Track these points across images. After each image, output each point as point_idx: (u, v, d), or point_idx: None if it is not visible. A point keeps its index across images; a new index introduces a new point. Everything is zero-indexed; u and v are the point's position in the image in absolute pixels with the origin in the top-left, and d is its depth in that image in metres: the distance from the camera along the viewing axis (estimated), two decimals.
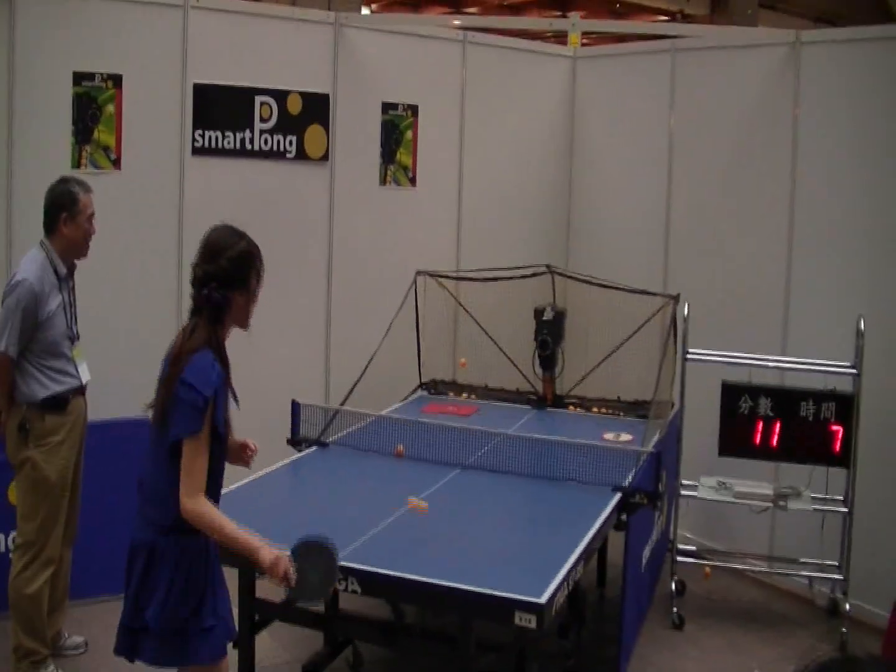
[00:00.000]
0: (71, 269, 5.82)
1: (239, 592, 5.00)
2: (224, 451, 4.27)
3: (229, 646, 4.74)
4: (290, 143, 7.87)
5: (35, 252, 5.69)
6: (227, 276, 4.14)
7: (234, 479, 5.40)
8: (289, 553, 4.02)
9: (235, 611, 4.42)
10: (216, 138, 7.53)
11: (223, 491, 4.46)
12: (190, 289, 4.22)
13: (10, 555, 5.98)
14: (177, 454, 4.04)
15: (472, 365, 8.09)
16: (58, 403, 5.71)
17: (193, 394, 4.00)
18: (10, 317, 5.51)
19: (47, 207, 5.73)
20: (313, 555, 4.08)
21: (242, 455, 4.53)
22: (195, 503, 3.99)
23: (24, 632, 5.73)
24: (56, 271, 5.68)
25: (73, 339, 5.83)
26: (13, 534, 6.06)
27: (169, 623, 4.09)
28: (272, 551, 3.99)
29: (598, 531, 5.32)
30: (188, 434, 4.00)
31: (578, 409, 7.68)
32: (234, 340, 4.33)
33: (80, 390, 5.89)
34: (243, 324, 4.30)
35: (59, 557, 5.87)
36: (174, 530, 4.10)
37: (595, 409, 7.63)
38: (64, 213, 5.67)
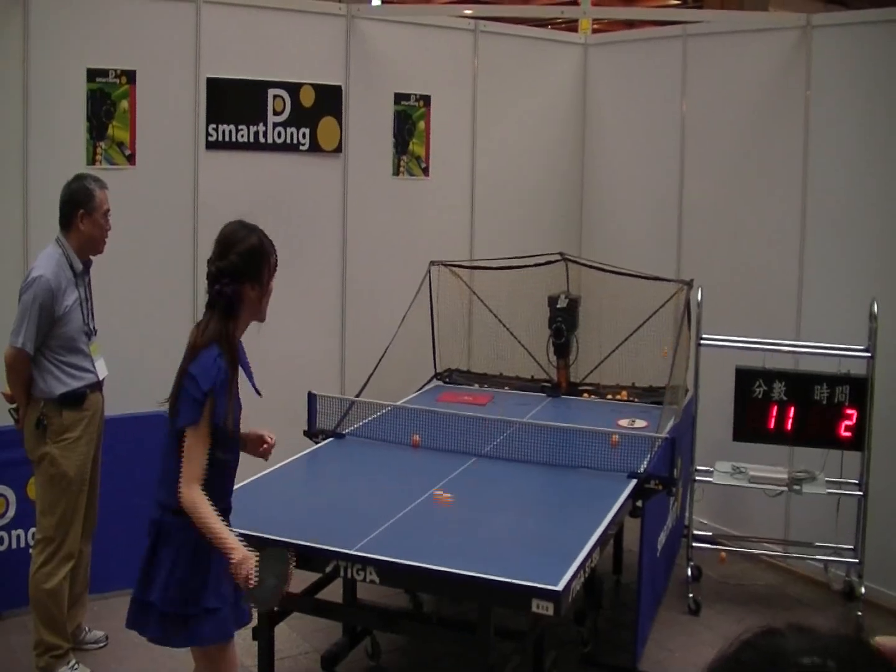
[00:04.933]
0: (87, 265, 5.85)
1: None
2: (233, 444, 4.37)
3: (248, 636, 4.80)
4: (304, 135, 7.90)
5: (51, 248, 5.72)
6: (237, 270, 4.24)
7: (252, 471, 5.46)
8: (255, 559, 4.12)
9: None
10: (230, 132, 7.56)
11: (240, 484, 4.52)
12: (205, 284, 4.32)
13: (30, 550, 6.02)
14: (182, 442, 4.19)
15: (488, 353, 8.13)
16: (75, 399, 5.74)
17: (194, 386, 4.16)
18: (27, 313, 5.54)
19: (64, 204, 5.76)
20: (272, 562, 4.20)
21: (259, 448, 4.60)
22: (189, 491, 4.14)
23: (44, 627, 5.77)
24: (72, 267, 5.71)
25: (90, 334, 5.86)
26: (33, 529, 6.10)
27: (170, 602, 4.22)
28: (243, 553, 4.09)
29: (614, 518, 5.33)
30: (188, 424, 4.17)
31: (593, 395, 7.69)
32: (250, 333, 4.40)
33: (98, 385, 5.92)
34: (258, 317, 4.42)
35: (79, 552, 5.91)
36: (181, 512, 4.19)
37: (609, 396, 7.65)
38: (81, 209, 5.70)
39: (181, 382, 4.21)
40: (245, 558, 4.07)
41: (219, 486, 4.29)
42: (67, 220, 5.74)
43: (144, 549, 4.33)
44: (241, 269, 4.24)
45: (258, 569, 4.10)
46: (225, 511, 4.32)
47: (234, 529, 4.28)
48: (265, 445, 4.61)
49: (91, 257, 5.88)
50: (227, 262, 4.23)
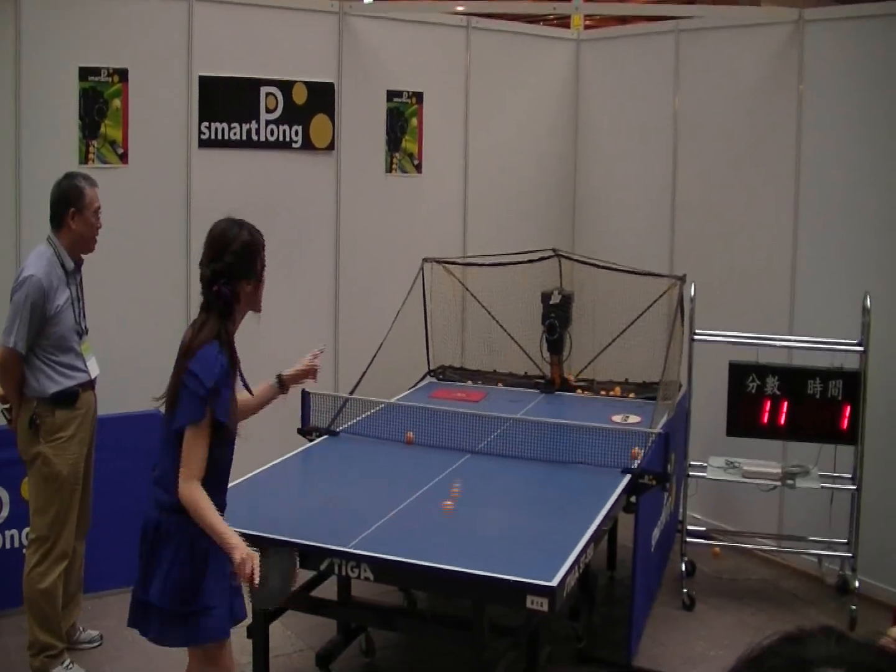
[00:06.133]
0: (78, 264, 5.84)
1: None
2: (230, 441, 4.36)
3: (243, 634, 4.80)
4: (296, 133, 7.89)
5: (42, 247, 5.71)
6: (233, 270, 4.25)
7: (246, 469, 5.46)
8: (258, 558, 4.11)
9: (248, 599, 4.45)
10: (222, 130, 7.55)
11: (235, 482, 4.52)
12: (199, 284, 4.32)
13: (24, 550, 6.02)
14: (181, 440, 4.18)
15: (481, 350, 8.13)
16: (67, 398, 5.73)
17: (196, 384, 4.15)
18: (18, 312, 5.53)
19: (54, 203, 5.75)
20: (277, 562, 4.26)
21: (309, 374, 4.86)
22: (189, 488, 4.15)
23: (39, 626, 5.77)
24: (63, 266, 5.70)
25: (82, 333, 5.85)
26: (27, 529, 6.09)
27: (169, 601, 4.23)
28: (245, 551, 4.08)
29: (608, 513, 5.34)
30: (190, 422, 4.16)
31: (587, 391, 7.69)
32: (243, 331, 4.39)
33: (90, 384, 5.91)
34: (255, 307, 4.44)
35: (73, 551, 5.91)
36: (178, 511, 4.21)
37: (603, 392, 7.65)
38: (71, 207, 5.69)
39: (180, 381, 4.20)
40: (248, 557, 4.06)
41: (215, 484, 4.29)
42: (58, 218, 5.72)
43: (142, 549, 4.33)
44: (236, 268, 4.26)
45: (262, 569, 4.10)
46: (220, 508, 4.31)
47: (235, 529, 4.30)
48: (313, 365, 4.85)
49: (83, 256, 5.87)
50: (223, 263, 4.23)
